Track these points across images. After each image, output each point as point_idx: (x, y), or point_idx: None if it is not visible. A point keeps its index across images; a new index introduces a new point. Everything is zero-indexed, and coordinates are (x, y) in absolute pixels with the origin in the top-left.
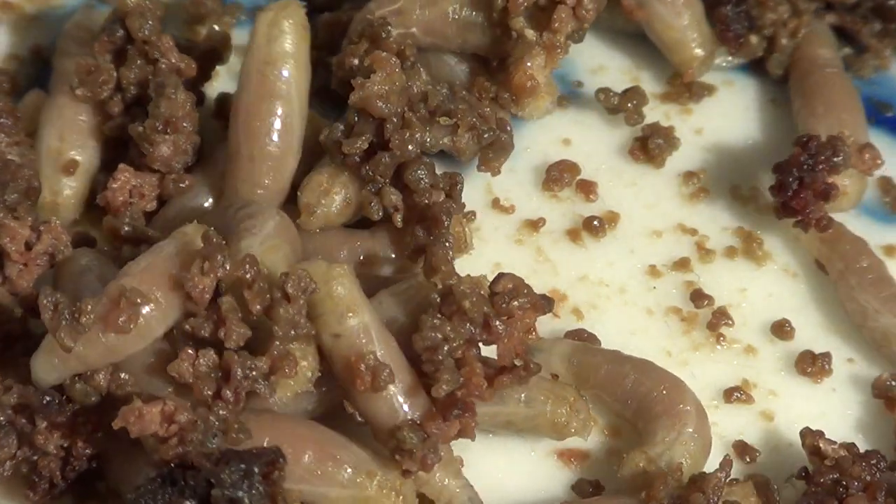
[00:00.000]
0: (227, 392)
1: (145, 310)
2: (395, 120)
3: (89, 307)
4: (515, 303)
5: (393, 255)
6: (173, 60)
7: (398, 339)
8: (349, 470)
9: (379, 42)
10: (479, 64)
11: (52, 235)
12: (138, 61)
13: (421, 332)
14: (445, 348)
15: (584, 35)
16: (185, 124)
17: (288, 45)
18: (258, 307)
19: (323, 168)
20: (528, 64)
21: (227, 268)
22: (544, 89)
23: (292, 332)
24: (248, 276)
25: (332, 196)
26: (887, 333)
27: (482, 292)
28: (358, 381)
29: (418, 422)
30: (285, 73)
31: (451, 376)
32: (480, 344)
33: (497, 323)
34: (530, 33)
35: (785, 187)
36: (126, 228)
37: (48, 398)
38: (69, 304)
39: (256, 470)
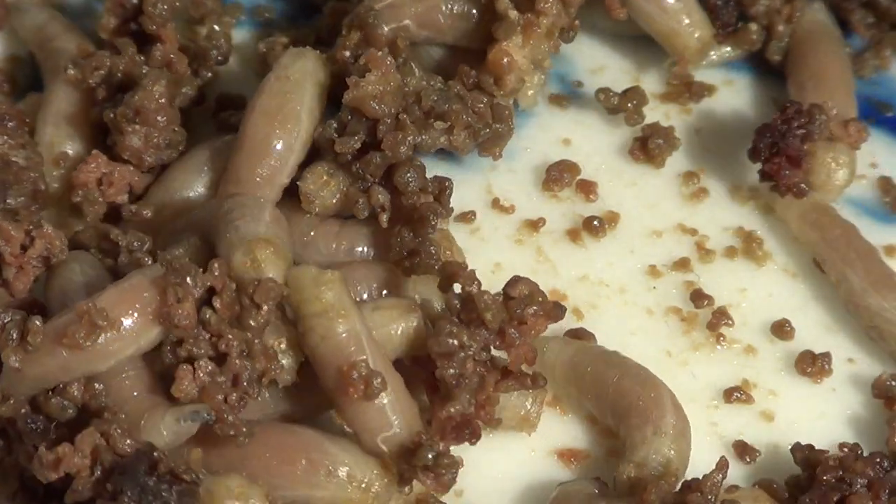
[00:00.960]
0: (234, 397)
1: (109, 331)
2: (388, 121)
3: (36, 325)
4: (530, 310)
5: (368, 249)
6: (169, 51)
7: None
8: (332, 471)
9: (369, 32)
10: (461, 54)
11: (46, 241)
12: (130, 50)
13: (437, 338)
14: (461, 355)
15: (575, 35)
16: (158, 118)
17: (309, 65)
18: (227, 314)
19: (326, 160)
20: (504, 42)
21: (199, 286)
22: (523, 70)
23: (266, 332)
24: (219, 284)
25: (332, 189)
26: (876, 317)
27: (497, 296)
28: (351, 390)
29: (434, 439)
30: (301, 86)
31: (470, 398)
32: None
33: (512, 331)
34: (514, 14)
35: (759, 151)
36: (115, 234)
37: (32, 424)
38: (18, 323)
39: (144, 478)
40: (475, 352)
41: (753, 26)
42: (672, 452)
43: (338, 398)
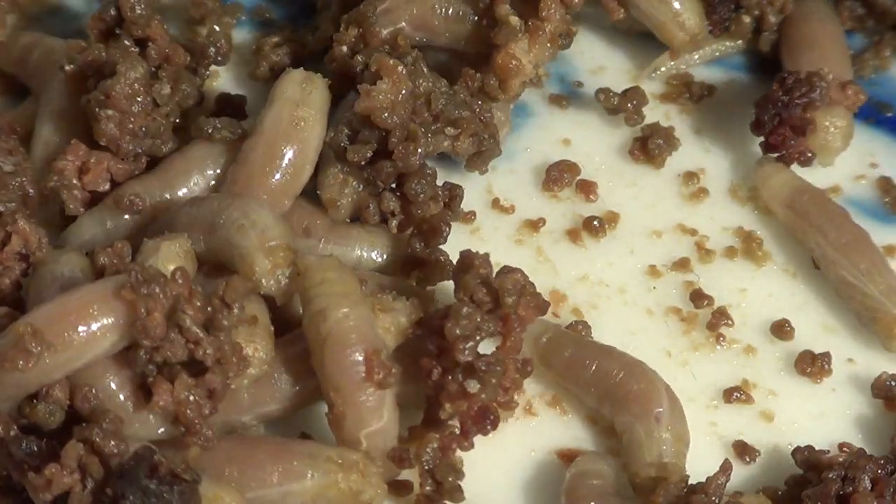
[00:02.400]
0: (207, 410)
1: (47, 353)
2: (398, 133)
3: None
4: (524, 300)
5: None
6: (162, 45)
7: None
8: (311, 467)
9: (366, 29)
10: (466, 58)
11: (22, 237)
12: (125, 43)
13: (456, 321)
14: (477, 338)
15: (571, 42)
16: (130, 104)
17: (318, 98)
18: (200, 319)
19: (336, 165)
20: (511, 46)
21: (167, 294)
22: (527, 74)
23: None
24: (185, 291)
25: (349, 192)
26: (849, 285)
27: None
28: (372, 373)
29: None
30: (312, 123)
31: (496, 383)
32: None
33: (515, 319)
34: (514, 20)
35: (762, 124)
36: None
37: (27, 449)
38: None
39: (146, 482)
40: (490, 335)
41: (746, 18)
42: (673, 450)
43: (344, 380)
